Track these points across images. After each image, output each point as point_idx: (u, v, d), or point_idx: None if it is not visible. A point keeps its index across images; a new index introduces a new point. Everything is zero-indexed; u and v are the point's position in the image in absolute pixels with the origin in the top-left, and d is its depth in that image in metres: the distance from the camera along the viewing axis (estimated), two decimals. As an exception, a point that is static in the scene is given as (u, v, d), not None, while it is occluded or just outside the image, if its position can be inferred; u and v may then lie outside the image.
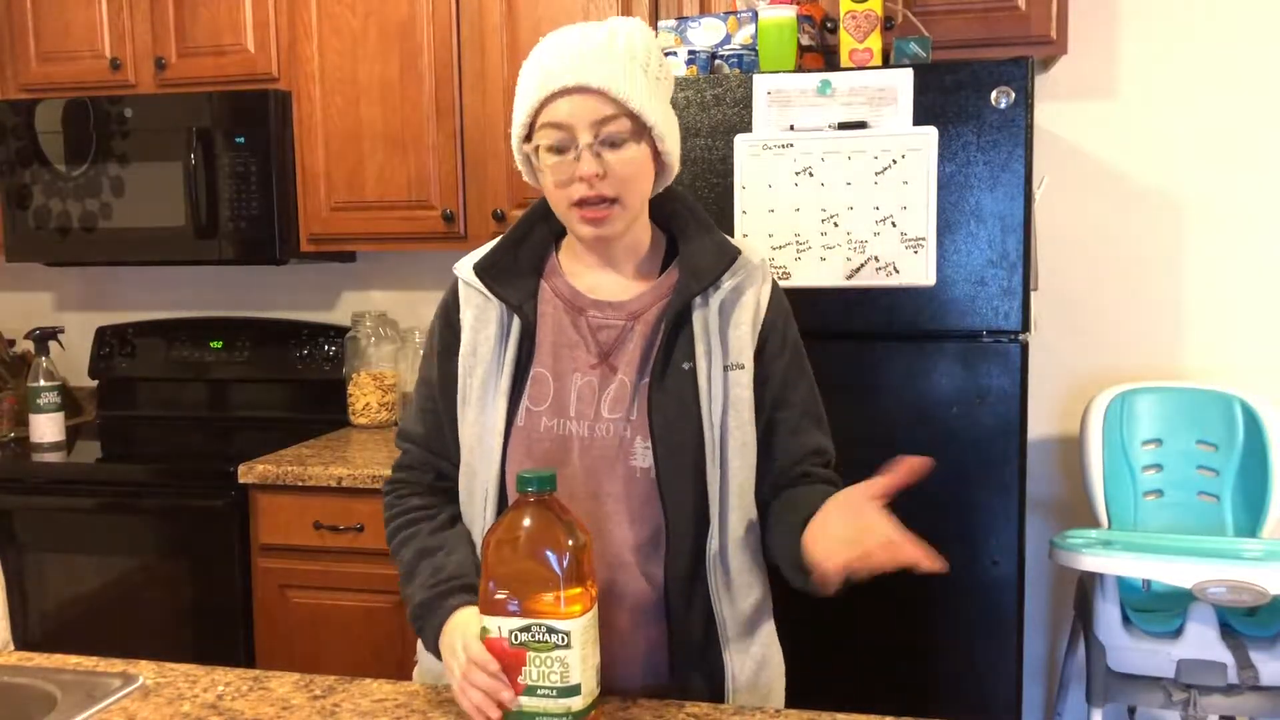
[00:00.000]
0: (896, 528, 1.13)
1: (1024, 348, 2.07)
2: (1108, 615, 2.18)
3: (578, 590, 1.12)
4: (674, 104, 1.34)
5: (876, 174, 2.07)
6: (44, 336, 2.92)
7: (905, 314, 2.10)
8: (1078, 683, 2.48)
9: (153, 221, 2.80)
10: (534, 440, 1.32)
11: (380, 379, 2.97)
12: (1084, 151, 2.68)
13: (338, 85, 2.74)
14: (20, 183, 2.87)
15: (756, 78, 2.12)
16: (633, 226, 1.34)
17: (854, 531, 1.14)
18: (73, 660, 1.43)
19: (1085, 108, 2.67)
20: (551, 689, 1.12)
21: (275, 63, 2.78)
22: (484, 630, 1.14)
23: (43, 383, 2.86)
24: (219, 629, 2.57)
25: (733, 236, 1.43)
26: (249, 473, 2.52)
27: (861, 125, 2.07)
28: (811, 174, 2.10)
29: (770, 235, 2.13)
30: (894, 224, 2.07)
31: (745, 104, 2.13)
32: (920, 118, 2.05)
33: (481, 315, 1.36)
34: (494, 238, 1.42)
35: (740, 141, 2.13)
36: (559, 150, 1.26)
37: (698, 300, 1.33)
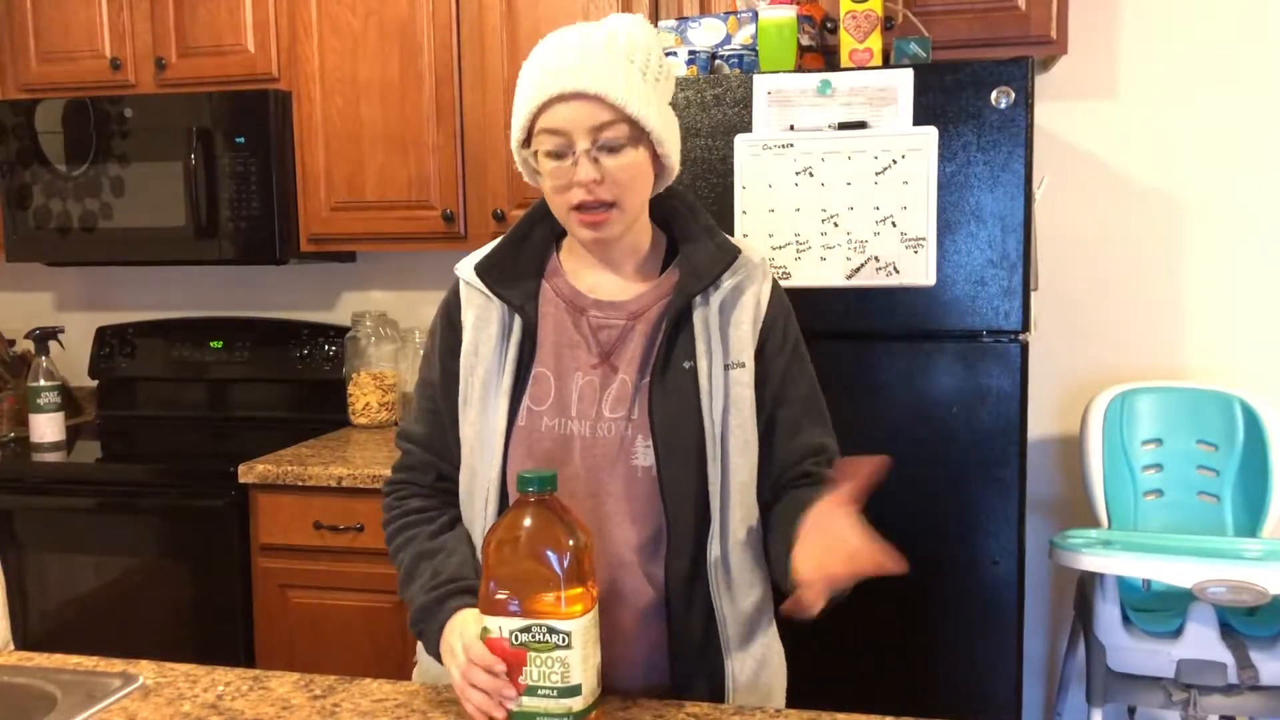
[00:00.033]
0: (863, 534, 1.13)
1: (1024, 348, 2.07)
2: (1108, 615, 2.18)
3: (578, 590, 1.12)
4: (674, 104, 1.34)
5: (876, 174, 2.07)
6: (44, 336, 2.92)
7: (905, 314, 2.10)
8: (1078, 683, 2.48)
9: (153, 221, 2.80)
10: (535, 440, 1.32)
11: (380, 379, 2.97)
12: (1084, 151, 2.68)
13: (338, 85, 2.74)
14: (20, 183, 2.87)
15: (756, 78, 2.12)
16: (632, 228, 1.34)
17: (823, 550, 1.13)
18: (73, 660, 1.43)
19: (1085, 108, 2.67)
20: (552, 689, 1.12)
21: (275, 63, 2.78)
22: (484, 630, 1.14)
23: (43, 383, 2.86)
24: (219, 629, 2.57)
25: (733, 236, 1.43)
26: (249, 473, 2.52)
27: (861, 125, 2.07)
28: (811, 174, 2.10)
29: (770, 235, 2.13)
30: (894, 224, 2.07)
31: (745, 104, 2.13)
32: (920, 118, 2.05)
33: (483, 315, 1.36)
34: (494, 238, 1.42)
35: (740, 141, 2.13)
36: (557, 156, 1.26)
37: (698, 299, 1.33)
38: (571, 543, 1.13)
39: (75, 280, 3.36)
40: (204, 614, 2.58)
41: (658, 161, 1.31)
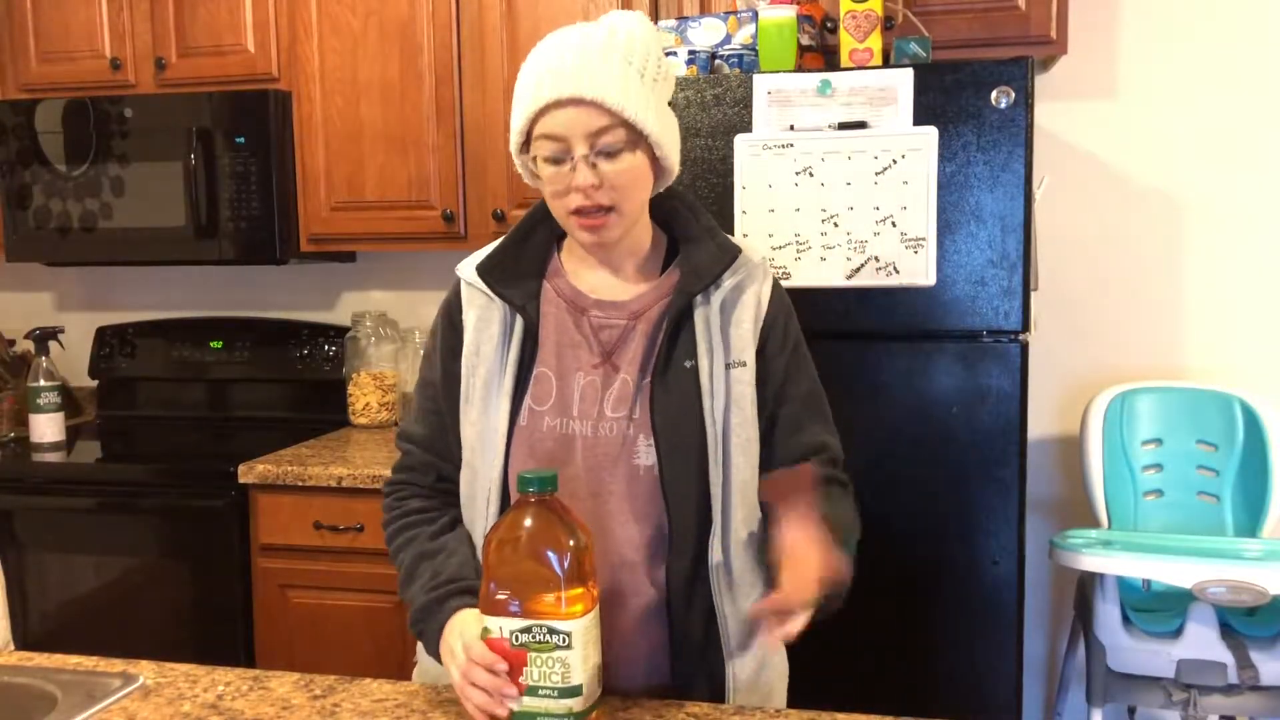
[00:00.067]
0: (811, 565, 1.17)
1: (1024, 348, 2.07)
2: (1108, 615, 2.18)
3: (579, 591, 1.12)
4: (674, 104, 1.34)
5: (876, 174, 2.07)
6: (44, 336, 2.92)
7: (905, 314, 2.10)
8: (1078, 683, 2.48)
9: (153, 221, 2.80)
10: (537, 440, 1.32)
11: (380, 379, 2.97)
12: (1084, 151, 2.68)
13: (338, 85, 2.74)
14: (20, 183, 2.87)
15: (756, 78, 2.12)
16: (632, 230, 1.34)
17: (791, 583, 1.17)
18: (73, 660, 1.43)
19: (1085, 108, 2.67)
20: (553, 689, 1.12)
21: (275, 63, 2.78)
22: (485, 630, 1.14)
23: (43, 383, 2.86)
24: (219, 629, 2.57)
25: (733, 236, 1.43)
26: (249, 473, 2.52)
27: (861, 125, 2.07)
28: (811, 174, 2.10)
29: (770, 235, 2.13)
30: (894, 224, 2.07)
31: (745, 104, 2.13)
32: (920, 118, 2.05)
33: (484, 315, 1.36)
34: (494, 238, 1.42)
35: (740, 141, 2.13)
36: (555, 161, 1.26)
37: (699, 299, 1.33)
38: (572, 543, 1.13)
39: (75, 280, 3.36)
40: (204, 614, 2.58)
41: (656, 163, 1.31)
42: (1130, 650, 2.16)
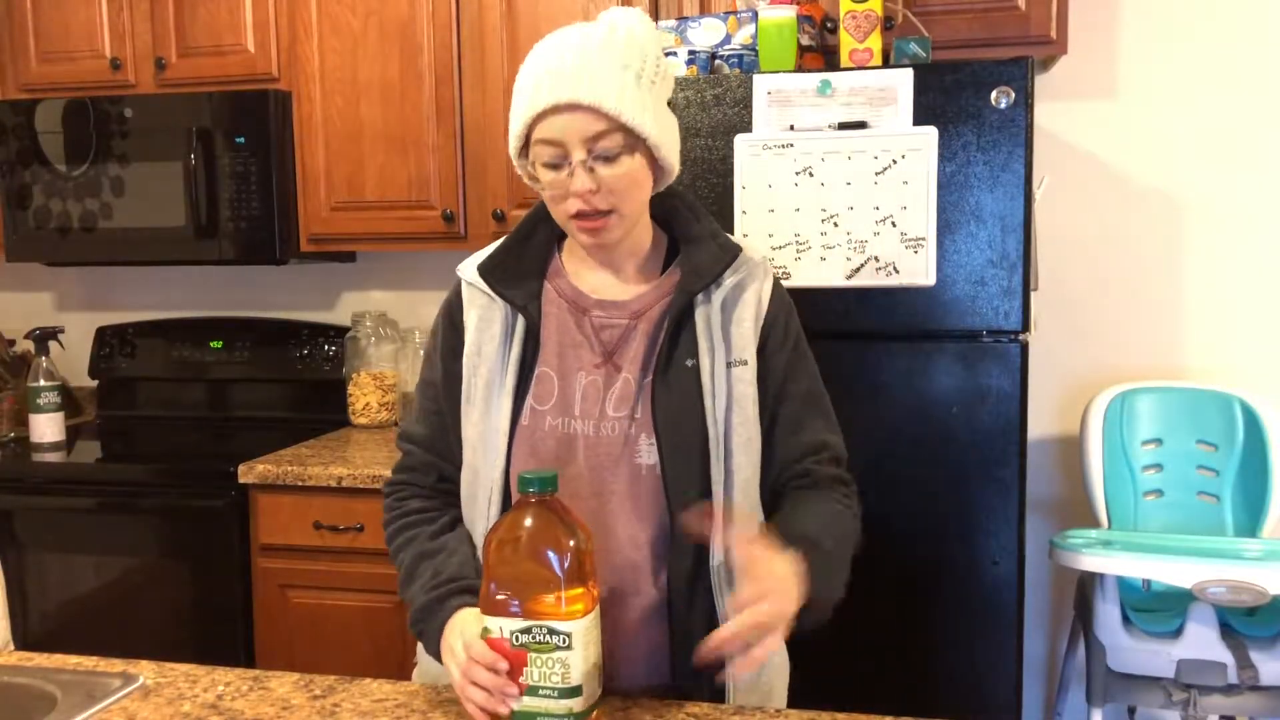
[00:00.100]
0: (770, 582, 1.17)
1: (1024, 348, 2.07)
2: (1108, 615, 2.18)
3: (579, 591, 1.12)
4: (674, 104, 1.33)
5: (876, 174, 2.07)
6: (44, 336, 2.92)
7: (905, 314, 2.10)
8: (1078, 683, 2.48)
9: (153, 221, 2.80)
10: (539, 439, 1.32)
11: (380, 379, 2.97)
12: (1084, 151, 2.68)
13: (338, 85, 2.74)
14: (20, 183, 2.87)
15: (756, 78, 2.12)
16: (632, 231, 1.34)
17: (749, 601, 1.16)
18: (73, 660, 1.43)
19: (1085, 108, 2.67)
20: (553, 689, 1.12)
21: (275, 63, 2.78)
22: (485, 630, 1.14)
23: (43, 383, 2.86)
24: (219, 629, 2.57)
25: (733, 236, 1.43)
26: (249, 473, 2.53)
27: (861, 125, 2.07)
28: (811, 174, 2.10)
29: (770, 235, 2.13)
30: (894, 224, 2.07)
31: (745, 104, 2.13)
32: (920, 118, 2.05)
33: (486, 315, 1.36)
34: (494, 238, 1.43)
35: (740, 141, 2.13)
36: (554, 166, 1.26)
37: (700, 298, 1.33)
38: (572, 543, 1.12)
39: (75, 280, 3.36)
40: (204, 614, 2.58)
41: (656, 165, 1.31)
42: (1130, 650, 2.16)
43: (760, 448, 1.36)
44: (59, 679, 1.34)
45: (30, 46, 2.92)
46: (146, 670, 1.38)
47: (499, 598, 1.13)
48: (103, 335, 3.22)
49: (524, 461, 1.32)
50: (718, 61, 2.28)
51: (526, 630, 1.12)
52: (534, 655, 1.12)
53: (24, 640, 2.67)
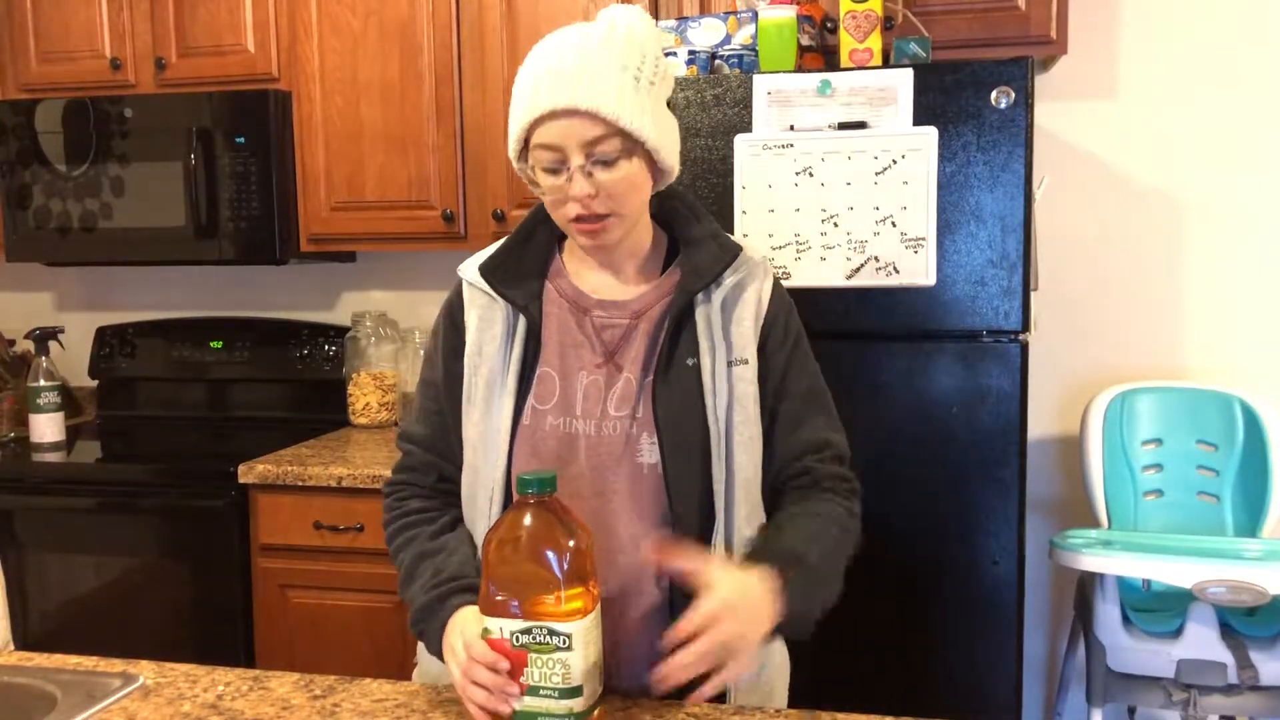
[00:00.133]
0: (727, 608, 1.16)
1: (1024, 348, 2.07)
2: (1108, 615, 2.18)
3: (579, 591, 1.12)
4: (674, 104, 1.33)
5: (876, 174, 2.07)
6: (44, 336, 2.92)
7: (905, 314, 2.10)
8: (1078, 683, 2.48)
9: (153, 221, 2.80)
10: (540, 439, 1.32)
11: (380, 379, 2.97)
12: (1084, 151, 2.68)
13: (338, 85, 2.74)
14: (20, 183, 2.87)
15: (756, 78, 2.12)
16: (632, 232, 1.35)
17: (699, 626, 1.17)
18: (73, 660, 1.43)
19: (1085, 108, 2.67)
20: (554, 690, 1.12)
21: (275, 63, 2.78)
22: (485, 631, 1.14)
23: (43, 383, 2.86)
24: (219, 629, 2.57)
25: (733, 236, 1.43)
26: (249, 473, 2.52)
27: (861, 125, 2.07)
28: (811, 174, 2.10)
29: (770, 235, 2.13)
30: (894, 224, 2.07)
31: (745, 104, 2.13)
32: (920, 118, 2.05)
33: (487, 315, 1.36)
34: (494, 238, 1.43)
35: (740, 141, 2.13)
36: (552, 171, 1.26)
37: (700, 297, 1.33)
38: (572, 543, 1.12)
39: (75, 280, 3.36)
40: (204, 614, 2.58)
41: (655, 167, 1.31)
42: (1130, 650, 2.16)
43: (761, 447, 1.36)
44: (59, 679, 1.34)
45: (30, 46, 2.92)
46: (146, 670, 1.38)
47: (499, 599, 1.13)
48: (103, 335, 3.22)
49: (525, 461, 1.32)
50: (718, 61, 2.28)
51: (527, 631, 1.12)
52: (534, 656, 1.12)
53: (24, 640, 2.67)
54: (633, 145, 1.25)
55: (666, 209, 1.40)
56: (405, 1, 2.67)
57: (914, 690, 2.16)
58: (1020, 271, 2.05)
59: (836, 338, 2.10)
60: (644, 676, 1.32)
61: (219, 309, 3.24)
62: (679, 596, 1.31)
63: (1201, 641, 2.10)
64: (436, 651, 1.27)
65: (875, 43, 2.18)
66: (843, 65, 2.20)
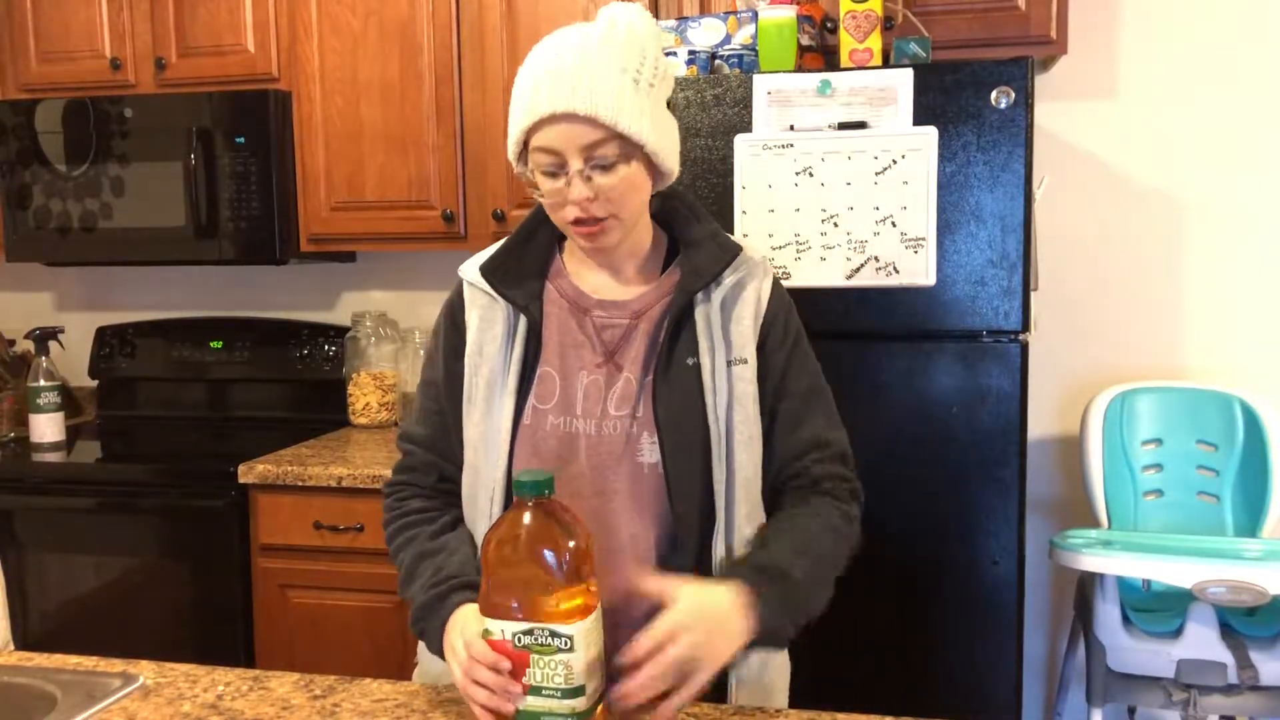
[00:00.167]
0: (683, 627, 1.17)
1: (1024, 348, 2.07)
2: (1108, 615, 2.18)
3: (579, 592, 1.12)
4: (674, 104, 1.33)
5: (876, 174, 2.07)
6: (44, 336, 2.92)
7: (905, 314, 2.10)
8: (1078, 683, 2.48)
9: (153, 221, 2.80)
10: (540, 439, 1.32)
11: (380, 379, 2.97)
12: (1084, 151, 2.68)
13: (338, 85, 2.74)
14: (20, 183, 2.87)
15: (756, 78, 2.12)
16: (632, 233, 1.35)
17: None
18: (73, 660, 1.43)
19: (1085, 108, 2.67)
20: (556, 690, 1.12)
21: (275, 63, 2.78)
22: (486, 632, 1.14)
23: (43, 383, 2.86)
24: (219, 629, 2.57)
25: (733, 236, 1.43)
26: (249, 473, 2.52)
27: (861, 125, 2.07)
28: (811, 174, 2.10)
29: (770, 235, 2.13)
30: (894, 224, 2.07)
31: (745, 104, 2.13)
32: (920, 118, 2.05)
33: (487, 315, 1.36)
34: (494, 238, 1.43)
35: (740, 141, 2.13)
36: (551, 174, 1.26)
37: (699, 296, 1.33)
38: (571, 544, 1.12)
39: (75, 280, 3.36)
40: (204, 614, 2.58)
41: (654, 168, 1.31)
42: (1130, 650, 2.16)
43: (761, 446, 1.36)
44: (59, 679, 1.34)
45: (30, 46, 2.92)
46: (146, 670, 1.38)
47: (499, 601, 1.13)
48: (103, 335, 3.22)
49: (526, 461, 1.32)
50: (718, 61, 2.28)
51: (528, 632, 1.12)
52: (536, 656, 1.12)
53: (24, 640, 2.67)
54: (632, 149, 1.25)
55: (667, 209, 1.40)
56: (405, 1, 2.67)
57: (914, 690, 2.16)
58: (1020, 271, 2.05)
59: (836, 338, 2.10)
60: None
61: (219, 309, 3.24)
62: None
63: (1201, 641, 2.10)
64: (438, 650, 1.27)
65: (875, 43, 2.18)
66: (843, 65, 2.20)
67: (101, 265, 3.19)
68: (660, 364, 1.31)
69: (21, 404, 2.99)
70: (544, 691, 1.12)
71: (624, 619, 1.30)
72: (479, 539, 1.34)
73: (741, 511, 1.33)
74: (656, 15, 2.51)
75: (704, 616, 1.17)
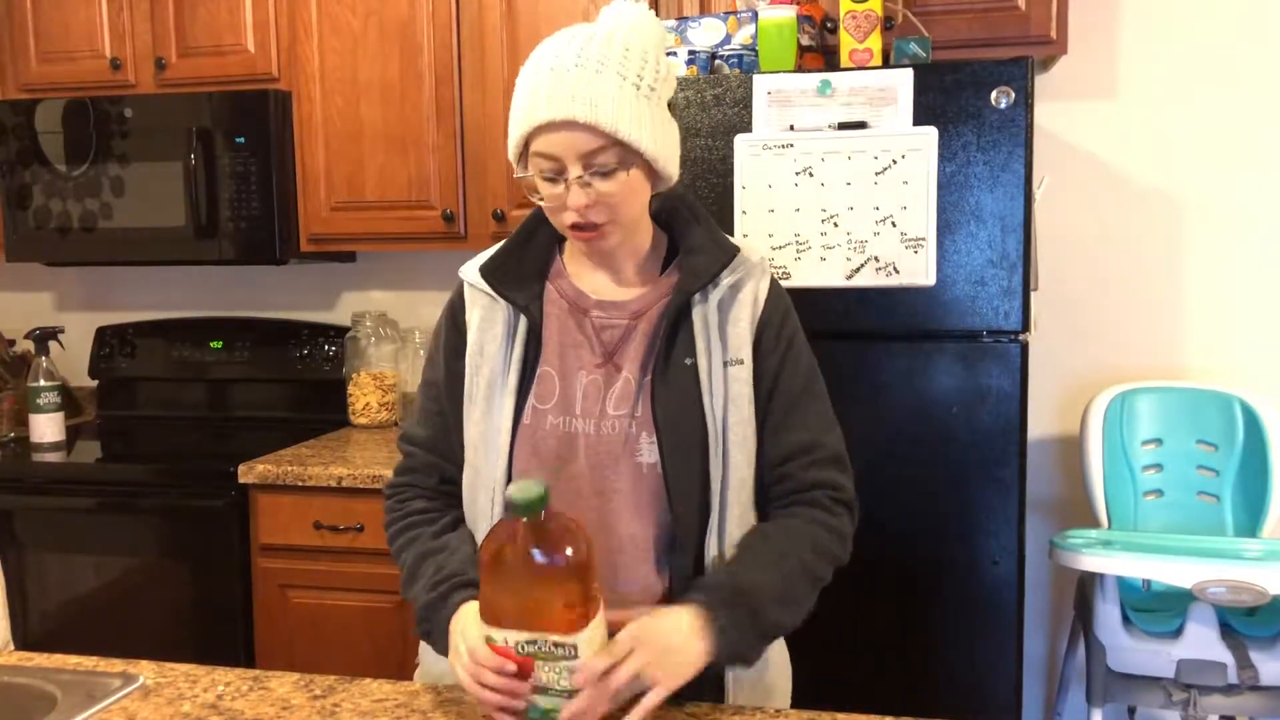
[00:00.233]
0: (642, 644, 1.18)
1: (1024, 348, 2.07)
2: (1108, 615, 2.18)
3: (580, 599, 1.11)
4: (674, 105, 1.33)
5: (876, 174, 2.07)
6: (44, 336, 2.92)
7: (905, 314, 2.10)
8: (1078, 683, 2.48)
9: (153, 221, 2.80)
10: (540, 438, 1.32)
11: (380, 379, 2.97)
12: (1084, 151, 2.68)
13: (338, 85, 2.74)
14: (20, 183, 2.87)
15: (756, 78, 2.12)
16: (631, 236, 1.35)
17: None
18: (73, 660, 1.43)
19: (1085, 108, 2.67)
20: (561, 691, 1.12)
21: (275, 63, 2.78)
22: (489, 639, 1.14)
23: (43, 383, 2.86)
24: (219, 629, 2.57)
25: (733, 236, 1.44)
26: (249, 473, 2.52)
27: (861, 125, 2.07)
28: (811, 174, 2.10)
29: (770, 235, 2.13)
30: (894, 224, 2.07)
31: (745, 104, 2.13)
32: (920, 118, 2.05)
33: (488, 316, 1.37)
34: (494, 238, 1.43)
35: (740, 141, 2.13)
36: (551, 180, 1.26)
37: (697, 297, 1.33)
38: (569, 551, 1.10)
39: (75, 280, 3.36)
40: (204, 614, 2.58)
41: (654, 173, 1.31)
42: (1130, 650, 2.16)
43: (755, 447, 1.35)
44: (59, 679, 1.34)
45: (30, 46, 2.92)
46: (146, 670, 1.38)
47: (499, 614, 1.12)
48: (103, 335, 3.22)
49: (525, 460, 1.32)
50: (718, 61, 2.28)
51: (531, 641, 1.11)
52: (540, 662, 1.11)
53: (24, 640, 2.67)
54: (631, 155, 1.25)
55: (667, 210, 1.40)
56: (405, 1, 2.67)
57: (914, 690, 2.16)
58: (1020, 271, 2.05)
59: (836, 338, 2.10)
60: (645, 675, 1.32)
61: (219, 309, 3.24)
62: (680, 593, 1.31)
63: (1201, 641, 2.10)
64: (444, 650, 1.27)
65: (875, 43, 2.18)
66: (843, 65, 2.20)
67: (101, 265, 3.19)
68: (658, 364, 1.31)
69: (21, 404, 2.99)
70: (550, 691, 1.12)
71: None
72: (479, 539, 1.34)
73: (734, 514, 1.33)
74: (657, 15, 2.51)
75: (653, 639, 1.17)
